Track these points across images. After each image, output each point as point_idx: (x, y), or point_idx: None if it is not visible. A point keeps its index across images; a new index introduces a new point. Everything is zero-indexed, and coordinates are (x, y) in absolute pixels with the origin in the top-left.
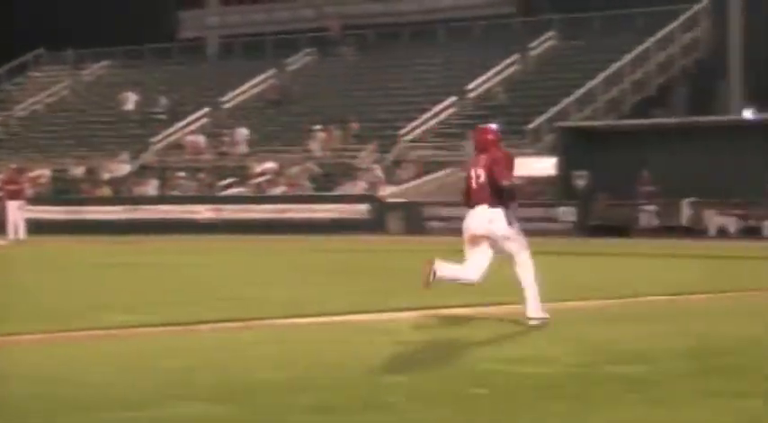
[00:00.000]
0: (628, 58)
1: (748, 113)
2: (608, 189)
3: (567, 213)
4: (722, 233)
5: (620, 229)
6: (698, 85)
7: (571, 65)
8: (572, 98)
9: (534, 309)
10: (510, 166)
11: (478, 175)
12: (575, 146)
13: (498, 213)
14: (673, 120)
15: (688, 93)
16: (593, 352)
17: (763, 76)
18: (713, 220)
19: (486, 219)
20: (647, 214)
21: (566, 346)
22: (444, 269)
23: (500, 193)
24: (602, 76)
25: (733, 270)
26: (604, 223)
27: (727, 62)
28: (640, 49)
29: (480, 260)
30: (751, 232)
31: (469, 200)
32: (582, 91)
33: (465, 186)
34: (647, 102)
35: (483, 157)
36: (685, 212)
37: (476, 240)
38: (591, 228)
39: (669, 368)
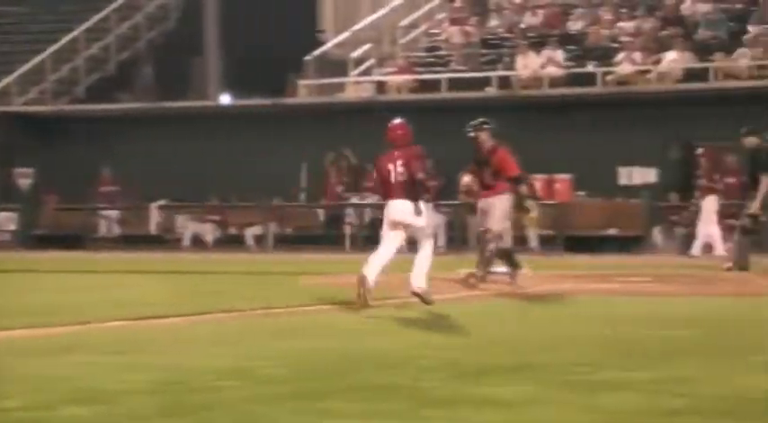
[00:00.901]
0: (81, 28)
1: (226, 98)
2: (58, 190)
3: (6, 220)
4: (199, 243)
5: (74, 240)
6: (168, 62)
7: (10, 36)
8: (12, 77)
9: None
10: (423, 161)
11: (398, 169)
12: (17, 137)
13: (415, 205)
14: (138, 105)
15: (156, 72)
16: (48, 390)
17: (242, 54)
18: (188, 227)
19: (408, 210)
20: (108, 221)
21: (18, 385)
22: (372, 272)
23: (416, 187)
24: (50, 50)
25: (207, 288)
26: (53, 232)
27: (204, 36)
28: (97, 17)
29: (395, 243)
30: (232, 242)
31: (390, 193)
32: (25, 68)
33: (381, 180)
34: (108, 83)
35: (399, 153)
36: (154, 219)
37: (396, 227)
38: (37, 237)
39: (131, 408)
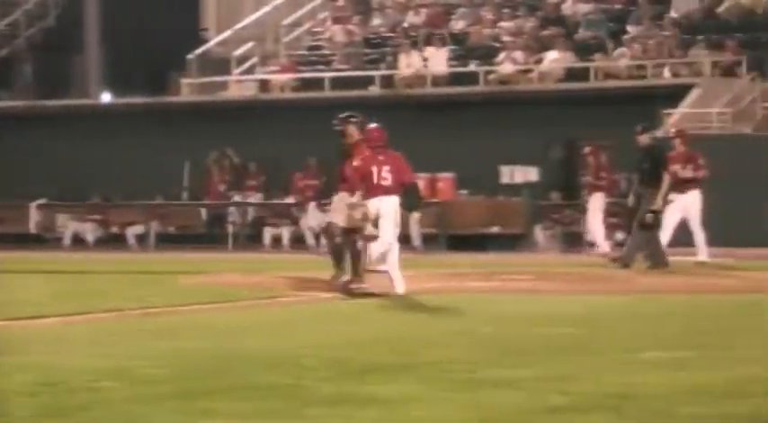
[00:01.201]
0: None
1: (107, 96)
2: None
3: None
4: (80, 242)
5: None
6: (48, 60)
7: None
8: None
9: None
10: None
11: (384, 171)
12: None
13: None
14: (17, 103)
15: (35, 70)
16: None
17: (123, 52)
18: (69, 226)
19: (395, 207)
20: None
21: None
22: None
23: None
24: None
25: (88, 288)
26: None
27: (84, 34)
28: None
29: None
30: (114, 241)
31: (376, 191)
32: None
33: (366, 179)
34: None
35: (384, 156)
36: (34, 217)
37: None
38: None
39: (8, 410)
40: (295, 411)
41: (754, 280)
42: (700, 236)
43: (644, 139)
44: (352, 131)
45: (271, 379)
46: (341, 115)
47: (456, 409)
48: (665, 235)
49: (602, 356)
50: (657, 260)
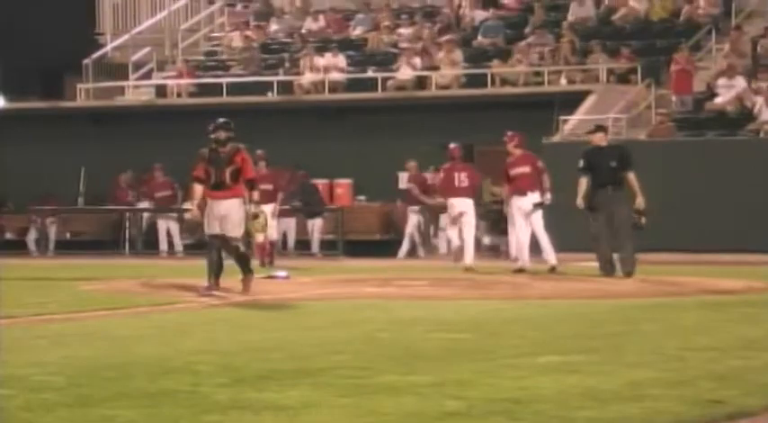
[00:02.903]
0: None
1: (1, 101)
2: None
3: None
4: None
5: None
6: None
7: None
8: None
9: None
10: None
11: (462, 177)
12: None
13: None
14: None
15: None
16: None
17: (19, 57)
18: None
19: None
20: None
21: None
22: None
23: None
24: None
25: None
26: None
27: None
28: None
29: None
30: (11, 247)
31: (457, 193)
32: None
33: (447, 183)
34: None
35: (462, 167)
36: None
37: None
38: None
39: None
40: (192, 418)
41: (643, 285)
42: (544, 239)
43: (600, 138)
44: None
45: (167, 385)
46: (216, 122)
47: (352, 415)
48: (525, 238)
49: (496, 361)
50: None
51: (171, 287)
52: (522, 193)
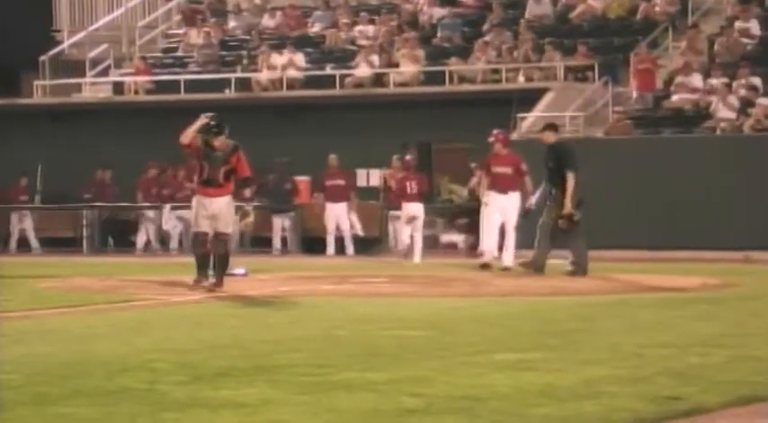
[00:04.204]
0: None
1: None
2: None
3: None
4: None
5: None
6: None
7: None
8: None
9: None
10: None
11: (413, 185)
12: None
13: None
14: None
15: None
16: None
17: None
18: None
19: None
20: None
21: None
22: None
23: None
24: None
25: None
26: None
27: None
28: None
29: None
30: None
31: (409, 198)
32: None
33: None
34: None
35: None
36: None
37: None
38: None
39: None
40: (150, 416)
41: (600, 283)
42: (511, 239)
43: (547, 136)
44: (224, 140)
45: (124, 383)
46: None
47: (309, 413)
48: (492, 237)
49: (453, 359)
50: (581, 266)
51: (131, 284)
52: (503, 191)
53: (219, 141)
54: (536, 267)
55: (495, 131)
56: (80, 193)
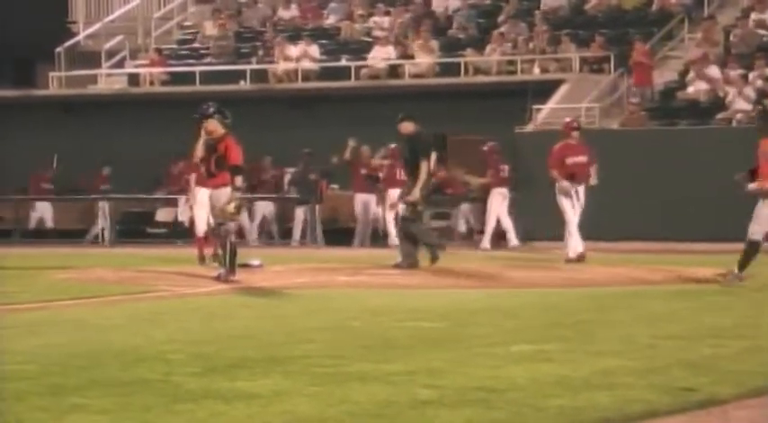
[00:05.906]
0: None
1: None
2: None
3: None
4: None
5: None
6: None
7: None
8: None
9: None
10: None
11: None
12: None
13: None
14: None
15: None
16: None
17: None
18: None
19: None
20: None
21: None
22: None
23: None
24: None
25: None
26: None
27: None
28: None
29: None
30: None
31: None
32: None
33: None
34: None
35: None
36: None
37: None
38: None
39: None
40: (164, 407)
41: (614, 273)
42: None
43: (405, 127)
44: (215, 127)
45: (139, 374)
46: (206, 109)
47: (324, 404)
48: (575, 238)
49: (468, 350)
50: (435, 251)
51: (148, 276)
52: (579, 182)
53: (212, 126)
54: (410, 263)
55: (567, 119)
56: (94, 184)
